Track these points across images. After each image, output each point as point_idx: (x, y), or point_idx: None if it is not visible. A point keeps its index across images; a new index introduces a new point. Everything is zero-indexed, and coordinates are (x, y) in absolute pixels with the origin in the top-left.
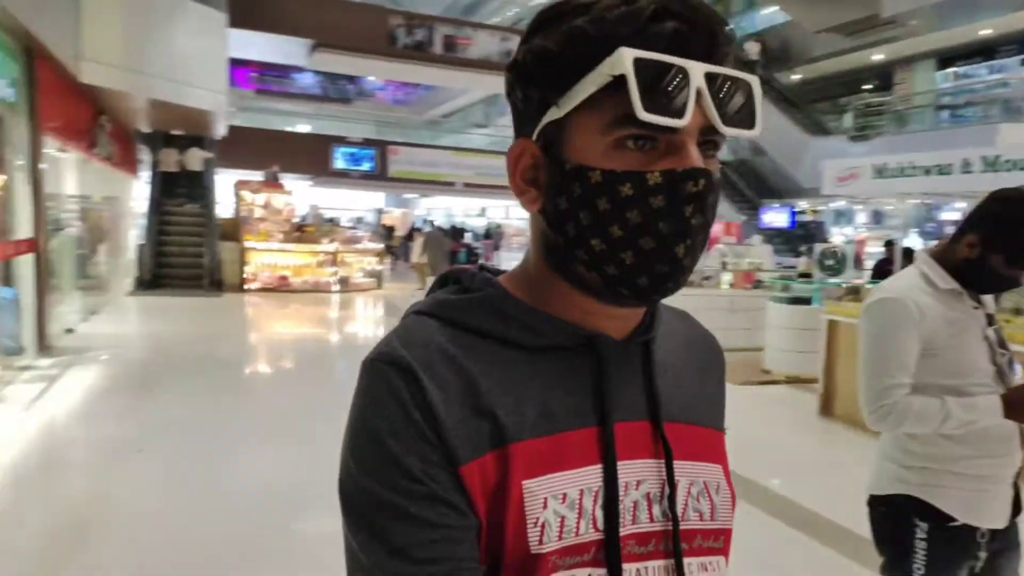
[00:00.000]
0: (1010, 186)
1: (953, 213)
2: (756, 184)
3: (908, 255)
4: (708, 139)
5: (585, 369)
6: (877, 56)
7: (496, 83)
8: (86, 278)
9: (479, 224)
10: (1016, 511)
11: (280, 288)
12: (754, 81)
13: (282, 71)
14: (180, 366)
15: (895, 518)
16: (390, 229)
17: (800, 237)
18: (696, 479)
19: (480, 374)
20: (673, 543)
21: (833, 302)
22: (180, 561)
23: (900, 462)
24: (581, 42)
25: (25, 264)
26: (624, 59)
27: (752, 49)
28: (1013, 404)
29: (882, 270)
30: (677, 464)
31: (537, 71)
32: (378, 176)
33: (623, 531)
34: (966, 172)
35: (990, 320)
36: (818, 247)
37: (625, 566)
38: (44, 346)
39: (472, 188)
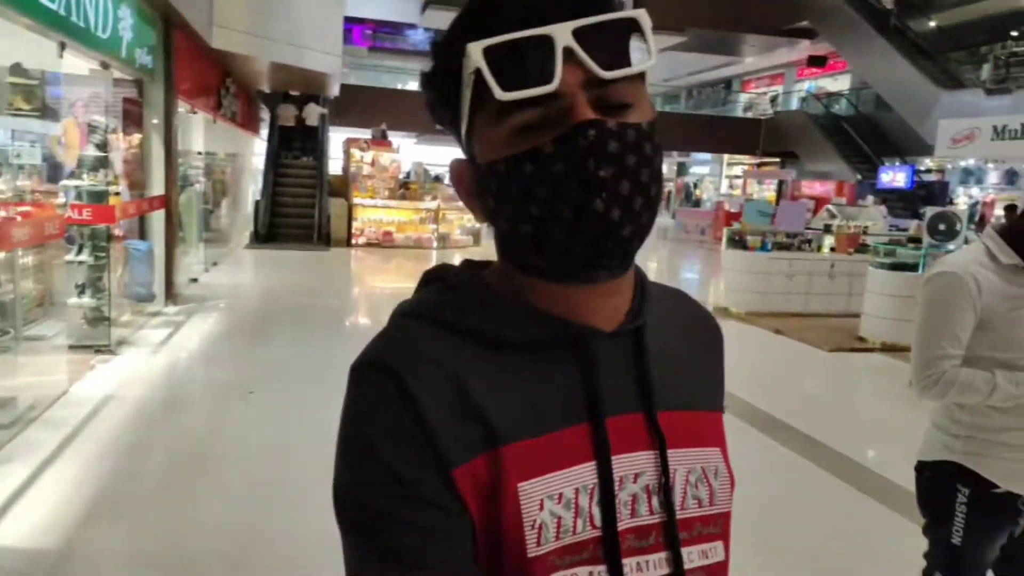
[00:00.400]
0: None
1: None
2: (876, 142)
3: None
4: (611, 95)
5: (573, 364)
6: None
7: None
8: (209, 231)
9: None
10: None
11: (384, 243)
12: (639, 14)
13: (395, 28)
14: (290, 315)
15: (939, 483)
16: None
17: (921, 198)
18: (694, 466)
19: (467, 374)
20: (671, 533)
21: None
22: (285, 488)
23: (948, 430)
24: (444, 56)
25: (157, 218)
26: (472, 53)
27: None
28: None
29: None
30: (673, 452)
31: (432, 96)
32: None
33: (622, 525)
34: None
35: None
36: (930, 211)
37: (625, 561)
38: (171, 294)
39: None
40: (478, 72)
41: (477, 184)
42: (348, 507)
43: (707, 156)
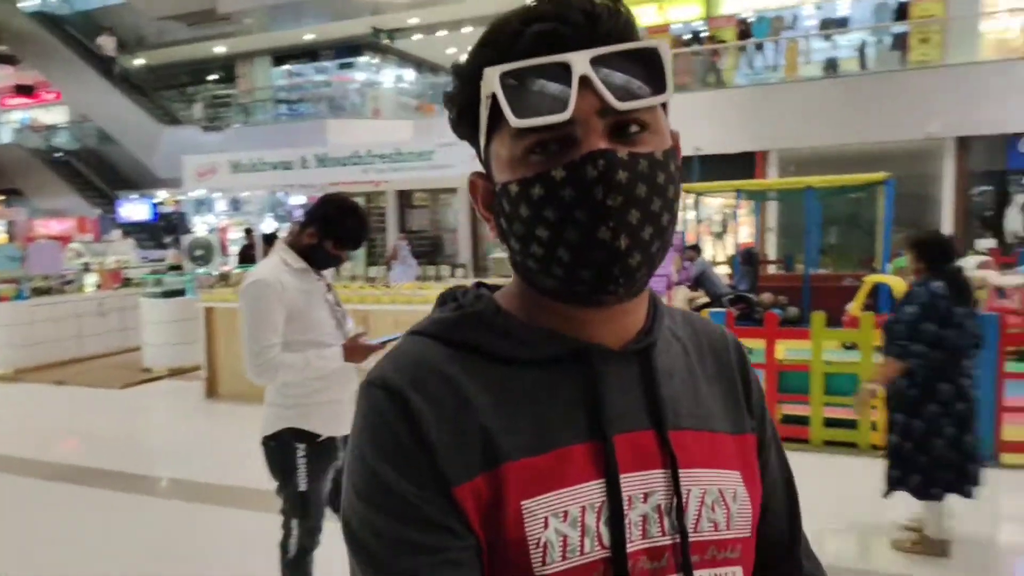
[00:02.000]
0: (335, 189)
1: (298, 199)
2: (109, 175)
3: (268, 240)
4: (627, 119)
5: (580, 381)
6: (219, 48)
7: None
8: None
9: None
10: None
11: None
12: (660, 45)
13: None
14: None
15: (282, 447)
16: None
17: (163, 229)
18: (710, 487)
19: (474, 392)
20: (683, 556)
21: (207, 290)
22: None
23: (280, 404)
24: (464, 78)
25: None
26: (490, 78)
27: (108, 44)
28: (349, 352)
29: (246, 255)
30: (687, 472)
31: (452, 115)
32: None
33: (632, 547)
34: (304, 168)
35: (329, 288)
36: (186, 239)
37: None
38: None
39: None
40: (494, 96)
41: (492, 203)
42: (355, 527)
43: None
